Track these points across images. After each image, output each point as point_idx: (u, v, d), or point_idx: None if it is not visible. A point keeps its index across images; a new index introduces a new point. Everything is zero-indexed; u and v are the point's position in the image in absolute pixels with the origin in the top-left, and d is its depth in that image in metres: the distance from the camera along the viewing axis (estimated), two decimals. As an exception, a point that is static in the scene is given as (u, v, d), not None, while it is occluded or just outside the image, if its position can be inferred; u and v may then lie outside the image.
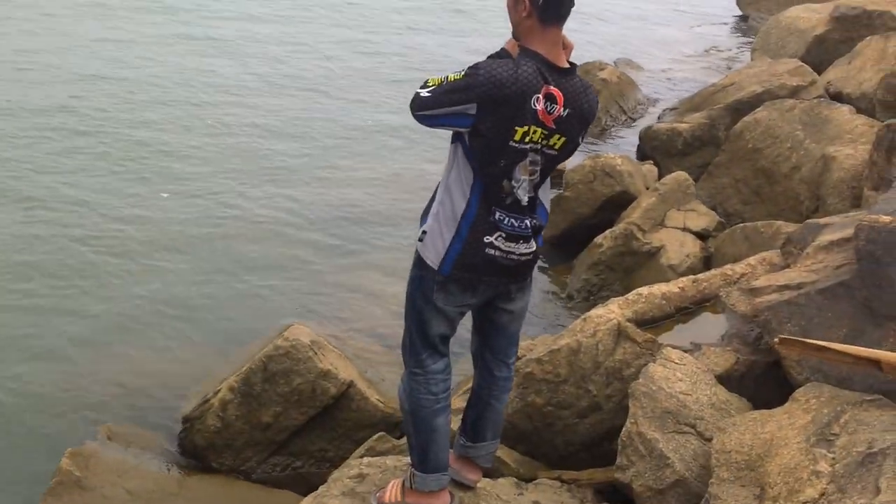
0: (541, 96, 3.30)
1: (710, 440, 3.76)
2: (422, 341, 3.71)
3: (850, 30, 8.50)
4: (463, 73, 3.33)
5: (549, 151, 3.43)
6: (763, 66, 8.08)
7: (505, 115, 3.28)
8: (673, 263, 5.85)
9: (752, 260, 4.95)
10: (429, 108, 3.41)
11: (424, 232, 3.57)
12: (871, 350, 3.64)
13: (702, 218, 6.23)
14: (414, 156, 8.43)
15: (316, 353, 4.73)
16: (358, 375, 4.95)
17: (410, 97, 3.49)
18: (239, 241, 6.97)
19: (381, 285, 6.45)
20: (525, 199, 3.46)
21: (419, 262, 3.61)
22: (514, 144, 3.33)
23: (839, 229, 4.62)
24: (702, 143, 7.47)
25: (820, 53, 8.47)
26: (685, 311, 4.79)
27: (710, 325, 4.69)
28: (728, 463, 3.55)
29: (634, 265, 6.02)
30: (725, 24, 11.34)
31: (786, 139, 6.74)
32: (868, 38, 7.85)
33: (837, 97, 7.36)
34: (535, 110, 3.30)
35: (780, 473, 3.33)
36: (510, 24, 3.48)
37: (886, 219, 4.03)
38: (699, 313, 4.81)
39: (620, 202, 6.61)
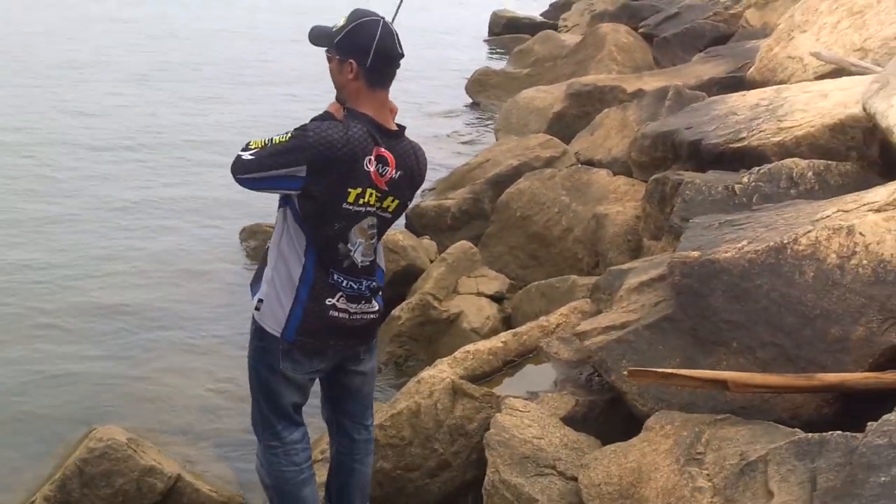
0: (373, 158, 3.29)
1: (573, 479, 3.80)
2: (274, 413, 3.56)
3: (586, 104, 9.10)
4: (290, 134, 3.26)
5: (384, 214, 3.43)
6: (512, 142, 8.47)
7: (337, 177, 3.25)
8: (475, 327, 5.94)
9: (563, 310, 5.11)
10: (253, 171, 3.31)
11: (261, 300, 3.47)
12: (716, 372, 3.83)
13: (493, 282, 6.38)
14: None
15: (136, 451, 4.38)
16: (181, 468, 4.62)
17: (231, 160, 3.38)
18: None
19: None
20: (364, 262, 3.43)
21: (259, 331, 3.49)
22: (347, 206, 3.30)
23: (643, 272, 4.87)
24: (470, 217, 7.68)
25: (561, 128, 8.98)
26: (511, 363, 4.86)
27: (537, 375, 4.78)
28: (600, 495, 3.60)
29: (436, 333, 6.05)
30: (459, 112, 11.81)
31: (552, 204, 7.05)
32: (605, 110, 8.43)
33: (588, 164, 7.80)
34: (368, 172, 3.29)
35: (660, 496, 3.41)
36: (334, 87, 3.46)
37: (695, 254, 4.27)
38: (524, 365, 4.89)
39: (407, 276, 6.65)
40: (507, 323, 6.07)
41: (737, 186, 5.46)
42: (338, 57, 3.34)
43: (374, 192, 3.31)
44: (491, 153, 8.34)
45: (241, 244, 7.88)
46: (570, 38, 14.37)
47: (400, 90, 3.62)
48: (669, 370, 3.81)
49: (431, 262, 6.74)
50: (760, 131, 6.15)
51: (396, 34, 3.36)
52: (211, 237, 8.11)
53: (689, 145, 6.46)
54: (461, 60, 15.27)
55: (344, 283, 3.39)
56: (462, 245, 6.58)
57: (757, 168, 5.54)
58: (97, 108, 11.42)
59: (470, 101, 12.38)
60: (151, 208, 8.55)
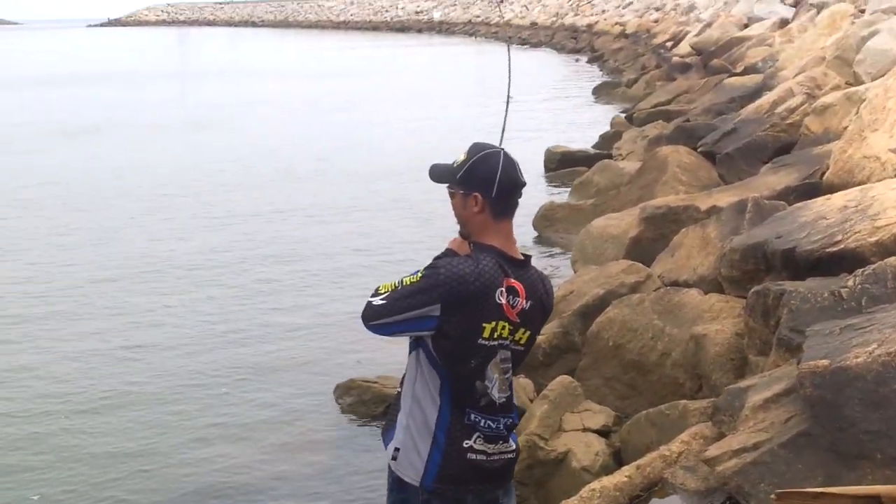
0: (504, 290, 3.23)
1: None
2: None
3: (661, 227, 9.01)
4: (420, 274, 3.22)
5: (516, 347, 3.35)
6: (594, 272, 8.35)
7: (471, 312, 3.19)
8: (585, 465, 5.72)
9: (684, 436, 4.90)
10: (386, 316, 3.26)
11: (397, 449, 3.36)
12: (868, 487, 3.59)
13: (598, 415, 6.17)
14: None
15: None
16: None
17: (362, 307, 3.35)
18: None
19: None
20: (501, 399, 3.34)
21: (397, 482, 3.38)
22: (482, 342, 3.23)
23: (765, 388, 4.68)
24: (562, 351, 7.51)
25: (639, 253, 8.87)
26: (637, 498, 4.64)
27: (666, 510, 4.53)
28: None
29: (545, 475, 5.84)
30: (529, 248, 11.78)
31: (645, 330, 6.88)
32: (683, 230, 8.32)
33: (674, 285, 7.64)
34: (500, 304, 3.23)
35: None
36: (457, 222, 3.43)
37: (824, 363, 4.09)
38: (649, 500, 4.65)
39: (507, 418, 6.45)
40: (617, 457, 5.84)
41: (843, 291, 5.30)
42: (461, 192, 3.32)
43: (506, 324, 3.24)
44: (573, 285, 8.22)
45: (336, 402, 7.77)
46: (629, 165, 14.40)
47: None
48: (818, 489, 3.59)
49: (531, 401, 6.56)
50: (855, 232, 6.02)
51: (517, 163, 3.36)
52: (303, 395, 8.04)
53: (783, 254, 6.32)
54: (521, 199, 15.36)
55: (482, 423, 3.29)
56: (563, 380, 6.40)
57: (861, 270, 5.39)
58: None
59: (537, 235, 12.33)
60: (238, 374, 8.52)
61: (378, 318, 3.26)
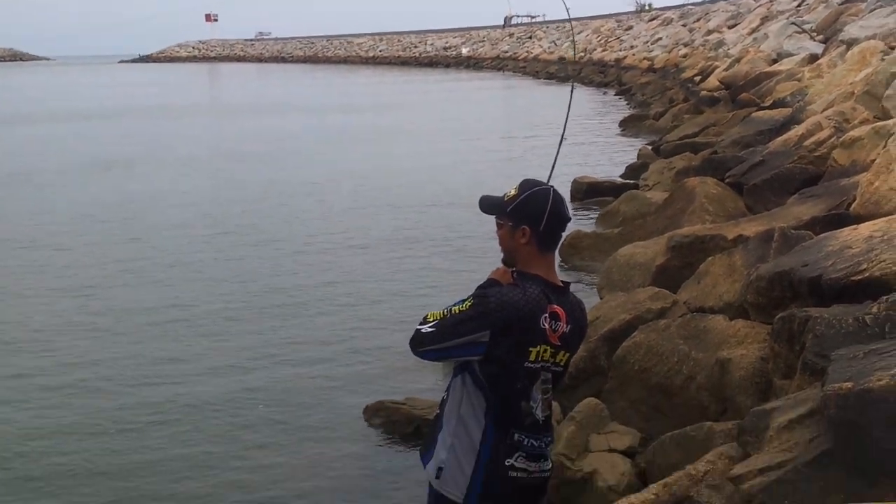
0: (547, 315, 3.40)
1: None
2: None
3: (688, 255, 9.07)
4: (470, 302, 3.40)
5: (556, 368, 3.52)
6: (620, 298, 8.42)
7: (519, 338, 3.39)
8: (612, 484, 5.80)
9: (709, 456, 4.97)
10: (436, 343, 3.48)
11: (440, 468, 3.52)
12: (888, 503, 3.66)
13: (624, 437, 6.25)
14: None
15: None
16: None
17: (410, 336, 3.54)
18: None
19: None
20: (543, 418, 3.50)
21: (439, 498, 3.53)
22: (529, 365, 3.43)
23: (790, 410, 4.76)
24: (588, 374, 7.58)
25: (665, 281, 8.93)
26: (663, 516, 4.70)
27: (691, 527, 4.59)
28: None
29: (572, 494, 5.91)
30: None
31: (671, 355, 6.95)
32: (710, 258, 8.39)
33: (700, 311, 7.70)
34: (544, 329, 3.40)
35: None
36: (502, 251, 3.59)
37: (848, 385, 4.16)
38: (676, 518, 4.72)
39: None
40: (643, 478, 5.91)
41: (867, 317, 5.35)
42: (510, 224, 3.51)
43: (548, 348, 3.43)
44: (600, 310, 8.30)
45: (365, 423, 7.87)
46: (656, 196, 14.48)
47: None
48: (842, 505, 3.66)
49: (557, 422, 6.63)
50: (881, 261, 6.08)
51: (565, 200, 3.59)
52: (333, 416, 8.16)
53: (809, 282, 6.38)
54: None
55: (525, 442, 3.46)
56: (589, 402, 6.49)
57: (885, 297, 5.44)
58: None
59: (565, 265, 12.42)
60: (270, 395, 8.65)
61: (428, 345, 3.46)
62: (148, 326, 10.69)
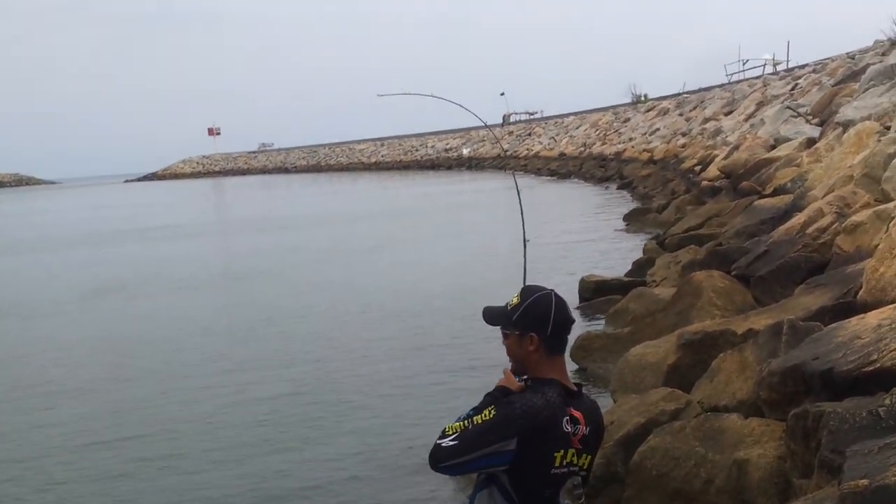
0: (568, 419, 3.40)
1: None
2: None
3: (699, 352, 9.05)
4: (493, 410, 3.38)
5: (581, 472, 3.49)
6: (634, 400, 8.37)
7: (544, 443, 3.40)
8: None
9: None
10: (460, 456, 3.46)
11: None
12: None
13: (647, 548, 6.13)
14: None
15: None
16: None
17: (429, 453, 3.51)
18: None
19: None
20: None
21: None
22: (555, 471, 3.40)
23: (809, 512, 4.67)
24: (605, 483, 7.49)
25: (677, 380, 8.89)
26: None
27: None
28: None
29: None
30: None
31: (688, 458, 6.88)
32: (721, 355, 8.37)
33: (714, 411, 7.65)
34: (567, 433, 3.39)
35: None
36: (511, 361, 3.60)
37: (864, 482, 4.12)
38: None
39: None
40: (669, 589, 5.78)
41: (881, 410, 5.33)
42: (517, 333, 3.53)
43: (572, 451, 3.38)
44: (613, 415, 8.23)
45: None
46: (663, 292, 14.48)
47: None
48: None
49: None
50: (891, 350, 6.07)
51: (566, 303, 3.61)
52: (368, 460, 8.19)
53: (820, 376, 6.35)
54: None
55: None
56: (607, 512, 6.40)
57: (896, 388, 5.42)
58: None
59: (576, 367, 12.36)
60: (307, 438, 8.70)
61: (451, 459, 3.42)
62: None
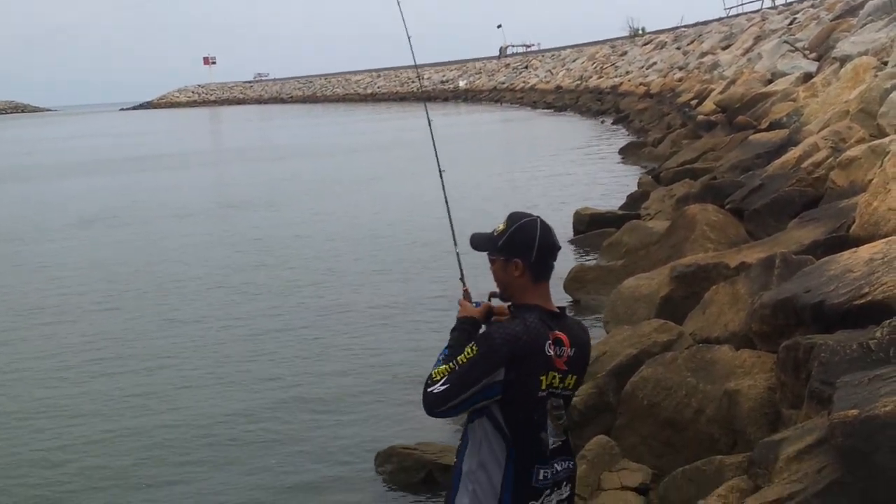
0: (551, 342, 3.41)
1: None
2: None
3: (692, 285, 9.10)
4: (474, 347, 3.42)
5: (566, 392, 3.52)
6: (626, 331, 8.44)
7: (528, 368, 3.42)
8: (625, 523, 5.78)
9: (720, 490, 4.99)
10: (453, 398, 3.51)
11: None
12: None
13: (636, 474, 6.25)
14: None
15: None
16: None
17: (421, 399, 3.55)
18: None
19: None
20: (557, 443, 3.50)
21: None
22: (541, 394, 3.43)
23: (798, 440, 4.77)
24: (597, 412, 7.58)
25: (670, 312, 8.95)
26: (678, 554, 4.71)
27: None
28: None
29: (587, 534, 5.88)
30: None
31: (679, 388, 6.95)
32: (713, 287, 8.42)
33: (706, 343, 7.72)
34: (550, 356, 3.41)
35: None
36: (497, 286, 3.63)
37: (853, 412, 4.17)
38: (689, 556, 4.72)
39: (545, 479, 6.52)
40: (656, 515, 5.90)
41: (871, 342, 5.36)
42: (502, 258, 3.55)
43: (556, 374, 3.43)
44: (606, 345, 8.31)
45: (376, 470, 7.87)
46: (658, 225, 14.53)
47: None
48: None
49: (568, 461, 6.63)
50: (882, 284, 6.10)
51: (552, 229, 3.62)
52: (343, 463, 8.17)
53: (812, 308, 6.40)
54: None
55: (548, 476, 3.48)
56: (600, 440, 6.50)
57: (888, 321, 5.45)
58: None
59: (570, 299, 12.43)
60: (280, 441, 8.67)
61: (445, 403, 3.46)
62: (151, 376, 10.74)
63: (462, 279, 4.34)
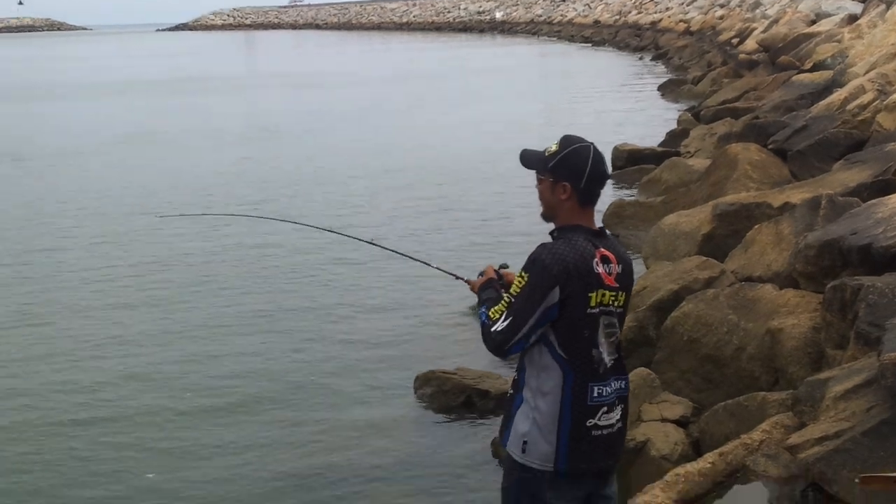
0: (598, 260, 3.43)
1: None
2: None
3: (734, 223, 9.08)
4: (525, 274, 3.44)
5: (617, 310, 3.53)
6: (667, 267, 8.46)
7: (578, 286, 3.43)
8: (665, 454, 5.86)
9: (765, 426, 5.03)
10: (518, 331, 3.48)
11: (525, 441, 3.55)
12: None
13: (677, 406, 6.31)
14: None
15: None
16: None
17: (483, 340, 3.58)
18: None
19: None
20: (610, 362, 3.52)
21: (519, 466, 3.57)
22: (591, 311, 3.45)
23: (845, 379, 4.79)
24: (636, 345, 7.62)
25: (711, 249, 8.94)
26: (720, 485, 4.77)
27: (747, 495, 4.65)
28: None
29: (625, 463, 5.93)
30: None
31: (720, 325, 6.97)
32: (757, 226, 8.39)
33: (748, 281, 7.72)
34: (598, 274, 3.43)
35: None
36: (542, 206, 3.63)
37: (905, 354, 4.18)
38: (731, 486, 4.79)
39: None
40: (696, 447, 5.95)
41: (920, 285, 5.37)
42: (551, 179, 3.55)
43: (606, 291, 3.45)
44: (647, 280, 8.33)
45: (415, 392, 7.98)
46: (698, 163, 14.42)
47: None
48: (904, 473, 3.70)
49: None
50: (932, 228, 6.07)
51: (604, 157, 3.62)
52: (383, 386, 8.30)
53: (859, 250, 6.39)
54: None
55: (604, 394, 3.49)
56: (640, 372, 6.55)
57: (937, 264, 5.46)
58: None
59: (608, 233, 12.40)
60: (322, 367, 8.79)
61: (512, 338, 3.47)
62: (184, 315, 10.87)
63: (458, 278, 4.42)
